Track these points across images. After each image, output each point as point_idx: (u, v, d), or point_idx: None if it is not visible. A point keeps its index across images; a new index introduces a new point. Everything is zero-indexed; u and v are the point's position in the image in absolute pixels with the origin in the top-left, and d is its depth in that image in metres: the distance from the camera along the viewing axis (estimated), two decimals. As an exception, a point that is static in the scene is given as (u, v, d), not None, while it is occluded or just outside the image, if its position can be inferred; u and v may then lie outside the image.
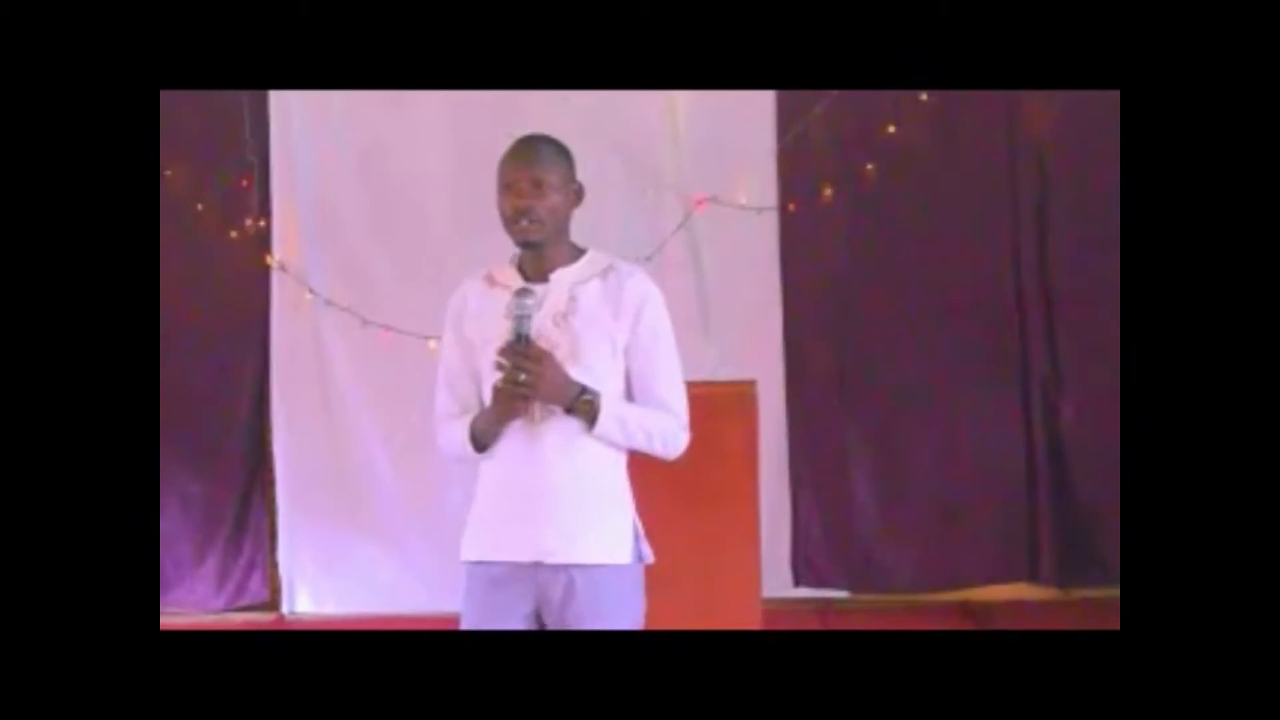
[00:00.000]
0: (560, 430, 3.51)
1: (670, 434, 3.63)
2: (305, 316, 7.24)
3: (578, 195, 3.71)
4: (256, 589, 7.35)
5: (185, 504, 7.34)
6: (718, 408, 5.39)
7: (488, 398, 3.56)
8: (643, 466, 5.39)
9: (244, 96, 7.12)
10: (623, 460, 3.63)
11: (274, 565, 7.34)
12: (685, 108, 7.12)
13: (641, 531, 3.63)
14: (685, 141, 7.17)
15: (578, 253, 3.71)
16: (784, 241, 7.16)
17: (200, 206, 7.17)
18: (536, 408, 3.50)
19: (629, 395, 3.60)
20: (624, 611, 3.57)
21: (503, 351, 3.48)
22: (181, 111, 6.98)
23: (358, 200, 7.24)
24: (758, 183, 7.14)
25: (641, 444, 3.60)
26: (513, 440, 3.54)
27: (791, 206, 7.12)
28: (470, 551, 3.61)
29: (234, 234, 7.23)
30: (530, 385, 3.46)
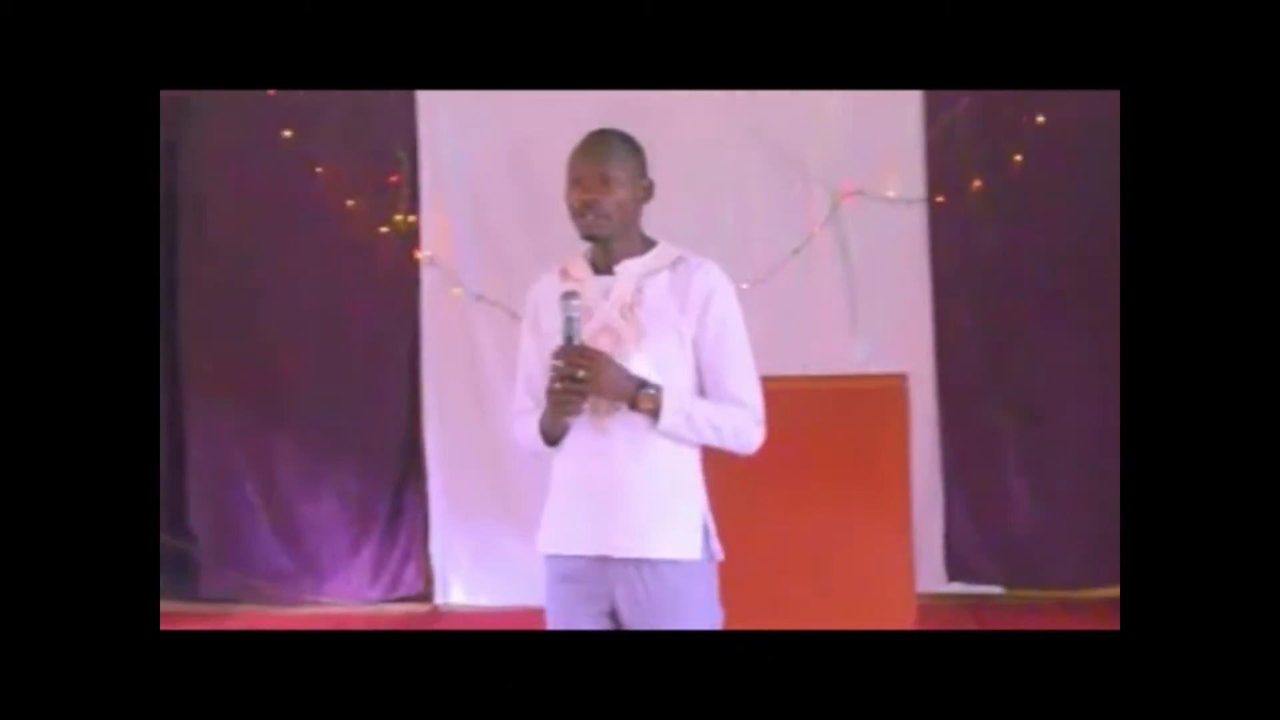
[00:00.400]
0: (627, 425, 3.49)
1: (742, 429, 3.56)
2: (455, 311, 7.32)
3: (647, 191, 3.68)
4: (411, 581, 7.44)
5: (341, 496, 7.45)
6: (867, 402, 5.38)
7: None
8: (795, 461, 5.39)
9: (392, 96, 7.19)
10: (694, 455, 3.59)
11: (428, 557, 7.43)
12: (834, 100, 7.09)
13: (713, 528, 3.59)
14: (833, 134, 7.14)
15: (648, 245, 3.69)
16: (933, 233, 7.11)
17: (350, 203, 7.27)
18: (602, 403, 3.49)
19: (700, 389, 3.56)
20: (696, 609, 3.53)
21: (556, 354, 3.47)
22: (330, 110, 7.09)
23: (507, 196, 7.30)
24: (906, 175, 7.10)
25: (711, 439, 3.55)
26: (581, 435, 3.54)
27: (940, 198, 7.07)
28: (544, 545, 3.62)
29: (384, 230, 7.32)
30: (586, 382, 3.44)
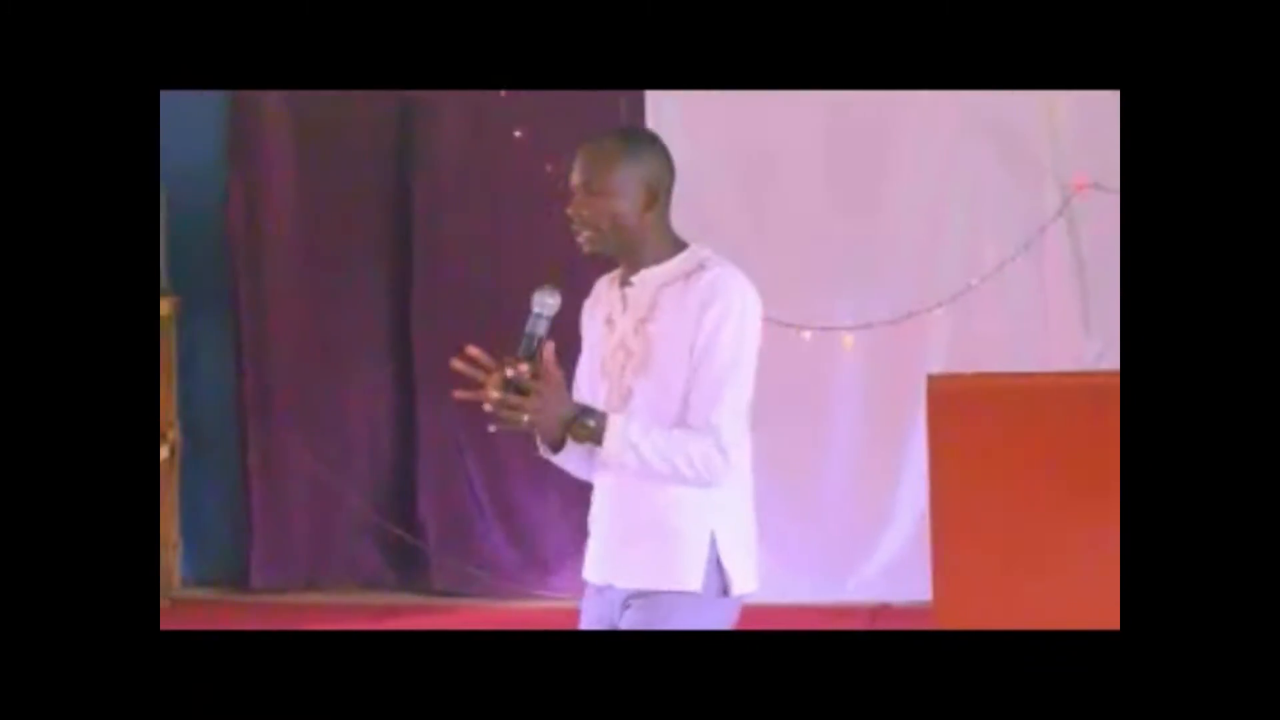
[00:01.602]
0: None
1: (698, 457, 3.27)
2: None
3: (652, 194, 3.37)
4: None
5: (565, 489, 7.51)
6: (1090, 399, 5.28)
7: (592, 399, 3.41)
8: (1024, 459, 5.31)
9: (621, 96, 7.22)
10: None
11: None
12: (1064, 94, 6.96)
13: (733, 562, 3.38)
14: (1065, 126, 7.01)
15: (677, 249, 3.44)
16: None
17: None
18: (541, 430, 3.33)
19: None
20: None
21: (510, 360, 3.31)
22: (561, 108, 7.15)
23: (733, 197, 7.29)
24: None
25: (664, 471, 3.28)
26: (587, 456, 3.42)
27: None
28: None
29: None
30: (515, 420, 3.28)
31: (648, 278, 3.40)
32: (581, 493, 8.06)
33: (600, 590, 3.48)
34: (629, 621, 3.38)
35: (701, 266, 3.39)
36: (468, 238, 7.57)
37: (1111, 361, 6.70)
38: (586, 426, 3.29)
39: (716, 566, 3.37)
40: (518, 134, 7.34)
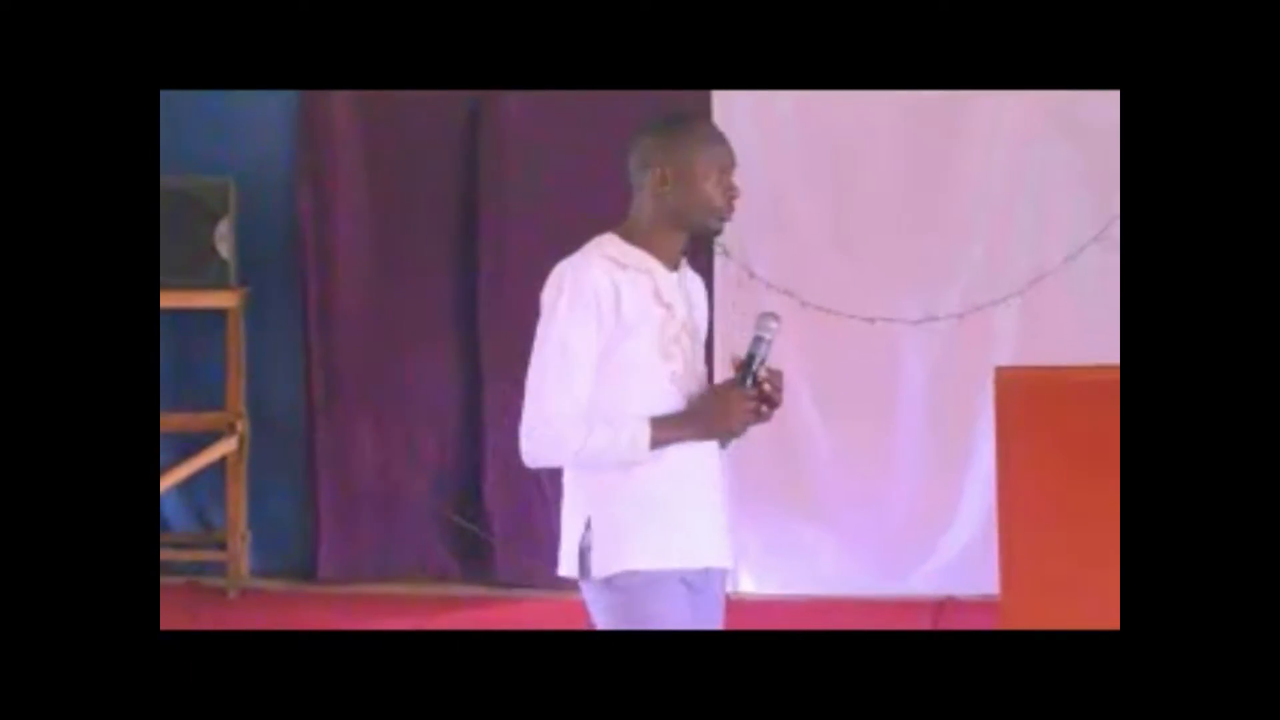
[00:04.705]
0: None
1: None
2: (748, 298, 7.33)
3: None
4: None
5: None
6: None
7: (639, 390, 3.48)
8: (1092, 453, 5.27)
9: (688, 96, 7.19)
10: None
11: (718, 544, 7.46)
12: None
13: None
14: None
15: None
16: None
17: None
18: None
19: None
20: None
21: (760, 378, 3.52)
22: (629, 106, 7.13)
23: (798, 189, 7.27)
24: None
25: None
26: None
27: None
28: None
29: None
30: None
31: (685, 265, 3.62)
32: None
33: (704, 574, 3.56)
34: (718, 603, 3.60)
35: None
36: (533, 229, 7.58)
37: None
38: None
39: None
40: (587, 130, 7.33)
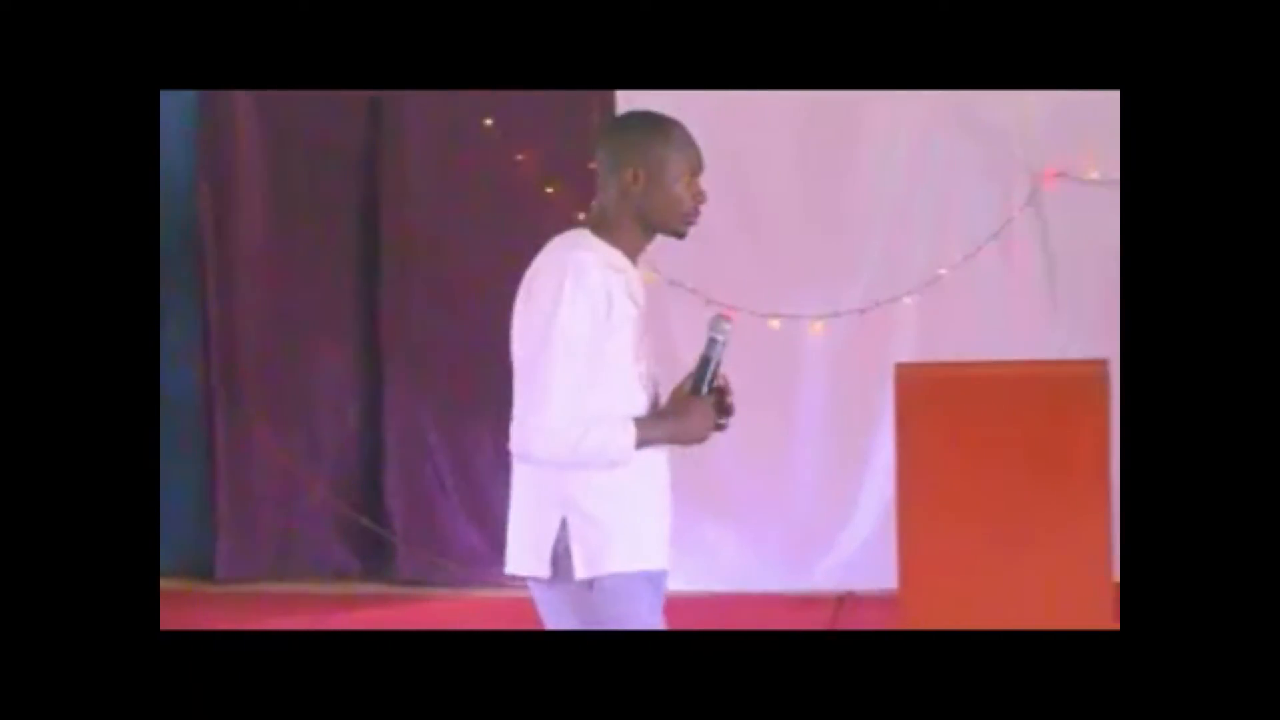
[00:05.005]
0: None
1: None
2: (651, 296, 7.32)
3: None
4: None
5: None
6: (1067, 389, 5.30)
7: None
8: (992, 449, 5.32)
9: (592, 96, 7.20)
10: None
11: (619, 542, 7.46)
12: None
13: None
14: (1034, 115, 7.02)
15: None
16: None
17: (550, 190, 7.32)
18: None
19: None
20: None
21: (721, 384, 3.50)
22: (532, 98, 7.13)
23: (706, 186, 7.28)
24: (1110, 155, 6.96)
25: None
26: None
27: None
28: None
29: (581, 216, 7.35)
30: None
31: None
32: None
33: (663, 574, 3.55)
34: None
35: None
36: (435, 229, 7.55)
37: (1078, 350, 6.72)
38: None
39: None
40: (488, 122, 7.32)
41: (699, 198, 3.54)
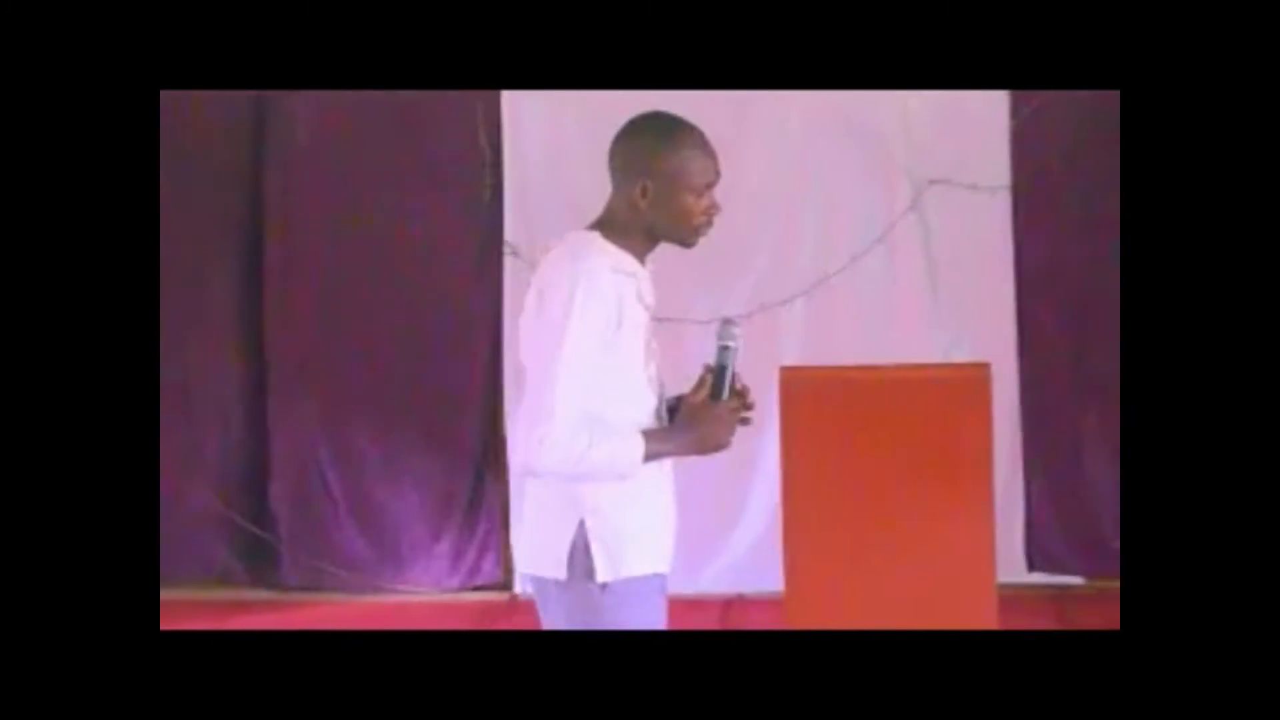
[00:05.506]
0: None
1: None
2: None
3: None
4: (490, 570, 7.45)
5: (421, 485, 7.48)
6: (950, 392, 5.34)
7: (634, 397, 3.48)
8: (877, 451, 5.35)
9: (479, 98, 7.17)
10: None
11: (508, 546, 7.44)
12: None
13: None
14: (917, 122, 7.09)
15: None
16: (1017, 222, 7.06)
17: (435, 195, 7.30)
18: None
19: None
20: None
21: (736, 391, 3.52)
22: (415, 104, 7.08)
23: (589, 190, 7.28)
24: (991, 162, 7.04)
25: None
26: None
27: (1025, 186, 7.01)
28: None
29: (467, 221, 7.34)
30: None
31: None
32: (434, 486, 8.04)
33: (666, 577, 3.54)
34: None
35: None
36: (320, 230, 7.50)
37: (961, 353, 6.80)
38: None
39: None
40: (371, 129, 7.28)
41: (710, 210, 3.49)
